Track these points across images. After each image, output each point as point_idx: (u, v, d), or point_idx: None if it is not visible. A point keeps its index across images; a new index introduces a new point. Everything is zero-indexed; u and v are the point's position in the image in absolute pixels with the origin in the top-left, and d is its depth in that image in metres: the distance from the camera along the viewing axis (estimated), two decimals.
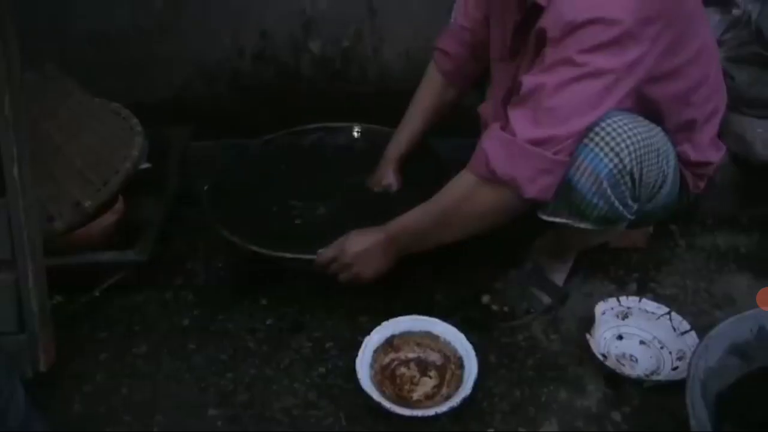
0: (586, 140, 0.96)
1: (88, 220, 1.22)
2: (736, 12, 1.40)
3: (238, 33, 1.72)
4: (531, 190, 0.96)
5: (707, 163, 1.16)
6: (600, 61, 0.90)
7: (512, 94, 1.02)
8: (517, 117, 0.95)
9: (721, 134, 1.34)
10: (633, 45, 0.91)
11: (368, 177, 1.34)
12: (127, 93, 1.75)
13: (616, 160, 0.96)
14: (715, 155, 1.16)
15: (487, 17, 1.18)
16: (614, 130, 0.95)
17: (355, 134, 1.47)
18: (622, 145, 0.95)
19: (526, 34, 1.03)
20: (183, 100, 1.81)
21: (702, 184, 1.18)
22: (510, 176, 0.95)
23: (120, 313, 1.23)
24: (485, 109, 1.24)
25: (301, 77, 1.79)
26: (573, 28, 0.90)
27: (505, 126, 0.97)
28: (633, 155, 0.97)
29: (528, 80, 0.95)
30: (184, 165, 1.51)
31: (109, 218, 1.25)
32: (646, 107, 1.03)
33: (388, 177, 1.32)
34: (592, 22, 0.88)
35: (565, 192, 1.00)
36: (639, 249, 1.34)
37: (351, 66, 1.77)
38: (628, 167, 0.97)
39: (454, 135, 1.44)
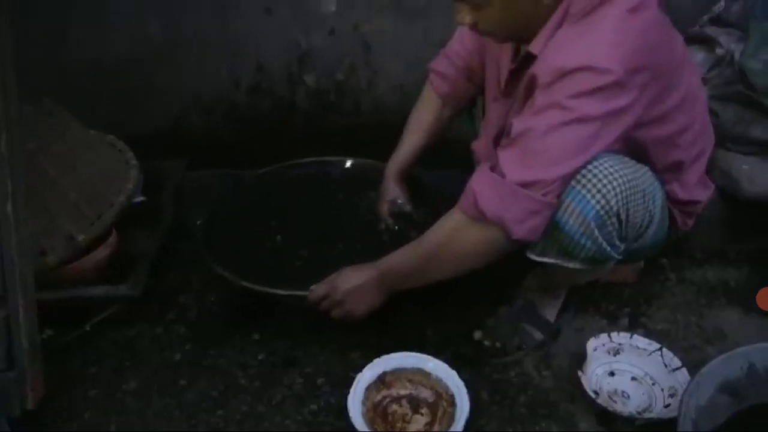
0: (573, 182, 0.98)
1: (81, 255, 1.22)
2: (719, 51, 1.44)
3: (235, 66, 1.75)
4: (519, 231, 0.97)
5: (695, 202, 1.18)
6: (588, 107, 0.92)
7: (503, 135, 1.04)
8: (507, 159, 0.97)
9: (708, 170, 1.36)
10: (622, 93, 0.93)
11: (374, 204, 1.35)
12: (124, 124, 1.76)
13: (603, 202, 0.98)
14: (703, 194, 1.18)
15: (482, 50, 1.22)
16: (600, 172, 0.97)
17: (349, 168, 1.48)
18: (609, 187, 0.97)
19: (518, 78, 1.05)
20: (179, 131, 1.83)
21: (690, 222, 1.20)
22: (499, 217, 0.97)
23: (111, 348, 1.22)
24: (479, 146, 1.26)
25: (296, 109, 1.81)
26: (563, 74, 0.92)
27: (495, 167, 0.98)
28: (619, 197, 0.98)
29: (518, 123, 0.97)
30: (179, 197, 1.51)
31: (102, 252, 1.25)
32: (633, 149, 1.05)
33: (392, 192, 1.33)
34: (582, 69, 0.91)
35: (553, 233, 1.01)
36: (630, 283, 1.35)
37: (345, 99, 1.79)
38: (615, 209, 0.99)
39: (444, 166, 1.48)
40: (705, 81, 1.46)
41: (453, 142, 1.39)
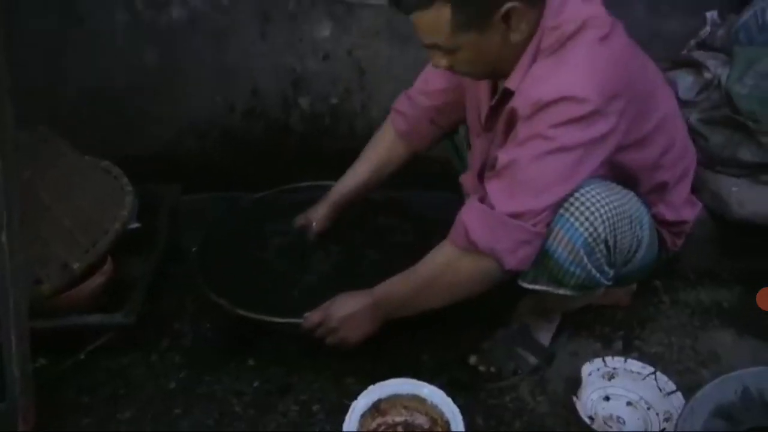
0: (561, 210, 0.99)
1: (76, 282, 1.22)
2: (707, 75, 1.46)
3: (230, 90, 1.76)
4: (512, 261, 0.99)
5: (683, 222, 1.19)
6: (570, 135, 0.94)
7: (486, 168, 1.06)
8: (494, 190, 0.98)
9: (698, 192, 1.38)
10: (600, 120, 0.94)
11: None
12: (119, 148, 1.77)
13: (591, 230, 0.99)
14: (690, 213, 1.20)
15: (449, 88, 1.23)
16: (588, 200, 0.99)
17: None
18: (596, 214, 0.98)
19: (498, 113, 1.07)
20: (174, 154, 1.84)
21: (679, 242, 1.21)
22: (491, 248, 0.98)
23: (105, 376, 1.21)
24: (466, 179, 1.28)
25: (291, 132, 1.82)
26: (542, 106, 0.93)
27: (484, 198, 1.00)
28: (606, 223, 0.99)
29: (502, 155, 0.99)
30: (175, 222, 1.52)
31: (97, 280, 1.25)
32: (619, 173, 1.06)
33: (315, 214, 1.34)
34: (560, 100, 0.92)
35: (543, 261, 1.02)
36: (623, 306, 1.36)
37: (340, 122, 1.81)
38: (603, 236, 1.00)
39: (432, 189, 1.49)
40: (694, 105, 1.49)
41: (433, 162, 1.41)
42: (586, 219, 0.98)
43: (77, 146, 1.44)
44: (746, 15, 1.45)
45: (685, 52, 1.63)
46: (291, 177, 1.60)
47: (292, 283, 1.26)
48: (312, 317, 1.10)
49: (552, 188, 0.97)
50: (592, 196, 0.99)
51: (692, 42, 1.63)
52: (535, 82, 0.96)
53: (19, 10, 1.58)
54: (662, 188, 1.13)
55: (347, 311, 1.08)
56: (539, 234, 0.98)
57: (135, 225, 1.39)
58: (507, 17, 0.94)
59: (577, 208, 0.98)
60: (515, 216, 0.96)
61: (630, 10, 1.63)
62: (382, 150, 1.34)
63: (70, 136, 1.48)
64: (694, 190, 1.32)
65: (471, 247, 0.99)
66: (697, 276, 1.45)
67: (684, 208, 1.18)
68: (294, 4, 1.63)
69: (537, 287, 1.06)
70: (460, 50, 0.98)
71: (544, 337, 1.23)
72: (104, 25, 1.64)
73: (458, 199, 1.30)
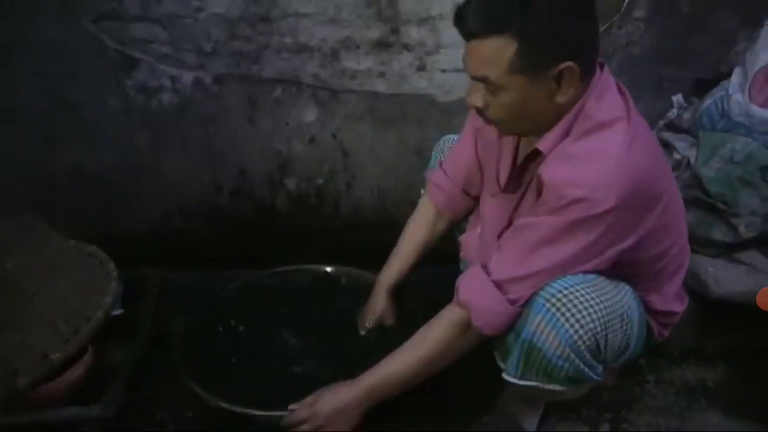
0: (551, 307, 0.98)
1: (55, 374, 1.20)
2: (677, 156, 1.52)
3: (218, 171, 1.80)
4: (478, 321, 1.02)
5: (672, 313, 1.18)
6: (580, 233, 0.95)
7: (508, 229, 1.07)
8: (495, 255, 1.03)
9: None
10: (614, 222, 0.95)
11: (360, 310, 1.35)
12: (106, 228, 1.79)
13: (581, 332, 0.98)
14: (679, 306, 1.19)
15: (477, 158, 1.24)
16: (578, 299, 0.97)
17: (329, 275, 1.50)
18: (588, 319, 0.97)
19: (522, 174, 1.08)
20: (161, 234, 1.86)
21: (666, 333, 1.20)
22: (467, 300, 1.03)
23: None
24: (466, 239, 1.29)
25: (277, 212, 1.85)
26: (565, 199, 0.94)
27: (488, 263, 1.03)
28: (598, 322, 0.98)
29: (520, 221, 1.02)
30: (160, 306, 1.51)
31: (76, 371, 1.23)
32: (619, 265, 1.04)
33: (379, 305, 1.33)
34: (581, 199, 0.93)
35: (532, 354, 1.01)
36: (608, 387, 1.35)
37: (325, 202, 1.84)
38: (593, 339, 0.99)
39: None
40: None
41: None
42: (577, 321, 0.97)
43: (65, 226, 1.45)
44: (707, 102, 1.53)
45: (655, 132, 1.70)
46: (278, 255, 1.62)
47: (278, 370, 1.25)
48: (297, 414, 1.08)
49: (542, 272, 0.99)
50: (582, 295, 0.97)
51: (661, 123, 1.71)
52: (567, 161, 0.96)
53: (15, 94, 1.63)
54: (659, 278, 1.12)
55: (334, 406, 1.06)
56: (513, 313, 1.00)
57: (119, 311, 1.39)
58: (560, 76, 0.94)
59: (568, 309, 0.97)
60: (499, 283, 1.00)
61: None
62: (423, 228, 1.34)
63: (59, 216, 1.49)
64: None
65: (457, 300, 1.03)
66: (681, 354, 1.46)
67: (674, 301, 1.18)
68: (280, 91, 1.69)
69: (527, 383, 1.04)
70: (505, 91, 0.96)
71: (530, 424, 1.21)
72: (96, 109, 1.69)
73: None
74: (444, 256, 1.41)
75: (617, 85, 1.03)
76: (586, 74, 0.97)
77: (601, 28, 1.64)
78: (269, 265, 1.54)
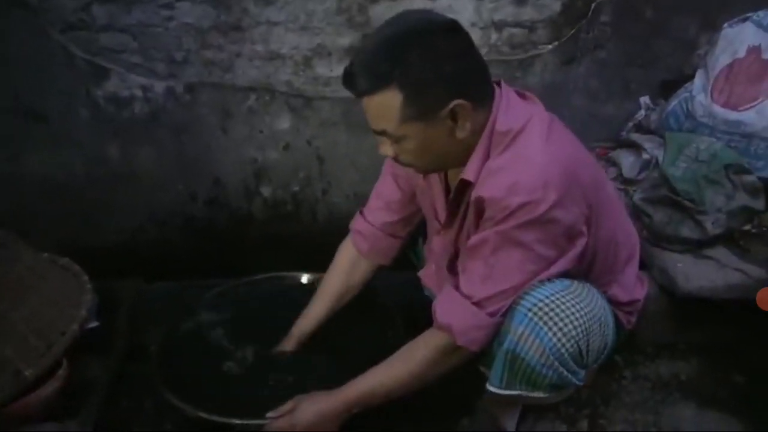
0: (533, 316, 0.99)
1: (29, 389, 1.17)
2: (645, 156, 1.56)
3: (191, 180, 1.79)
4: (462, 339, 1.01)
5: (635, 301, 1.22)
6: (533, 233, 0.97)
7: (456, 260, 1.10)
8: (462, 276, 1.04)
9: (648, 268, 1.44)
10: (561, 214, 0.97)
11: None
12: (79, 240, 1.77)
13: (564, 340, 0.99)
14: (641, 292, 1.23)
15: (405, 197, 1.26)
16: (558, 306, 0.99)
17: (306, 284, 1.49)
18: (570, 326, 0.99)
19: (457, 205, 1.11)
20: (135, 245, 1.84)
21: (633, 320, 1.24)
22: (447, 323, 1.02)
23: None
24: (425, 275, 1.31)
25: (253, 220, 1.85)
26: (507, 210, 0.96)
27: (456, 286, 1.04)
28: (580, 329, 1.00)
29: (473, 240, 1.02)
30: (135, 317, 1.49)
31: (51, 386, 1.20)
32: (578, 261, 1.07)
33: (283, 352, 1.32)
34: (524, 204, 0.95)
35: (515, 364, 1.02)
36: (586, 385, 1.37)
37: (301, 208, 1.84)
38: (576, 345, 1.01)
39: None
40: (637, 183, 1.58)
41: None
42: (560, 329, 0.99)
43: (38, 239, 1.43)
44: (672, 103, 1.58)
45: (624, 133, 1.74)
46: (254, 263, 1.61)
47: (255, 383, 1.24)
48: (275, 424, 1.07)
49: (513, 280, 1.00)
50: (563, 303, 0.99)
51: (630, 124, 1.75)
52: (497, 175, 0.99)
53: None
54: (615, 267, 1.16)
55: (313, 416, 1.06)
56: (494, 324, 1.01)
57: (93, 324, 1.37)
58: (453, 114, 0.97)
59: (546, 314, 0.98)
60: (475, 302, 1.00)
61: (570, 98, 1.76)
62: (337, 280, 1.34)
63: (31, 229, 1.47)
64: (643, 266, 1.38)
65: (436, 324, 1.03)
66: (655, 349, 1.49)
67: (635, 288, 1.22)
68: (254, 99, 1.69)
69: (511, 392, 1.05)
70: (406, 139, 1.00)
71: (509, 424, 1.22)
72: (66, 121, 1.67)
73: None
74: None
75: (517, 93, 1.07)
76: (480, 104, 1.00)
77: (569, 33, 1.68)
78: (246, 273, 1.53)
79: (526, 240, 0.98)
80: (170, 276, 1.73)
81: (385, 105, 0.96)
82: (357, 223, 1.34)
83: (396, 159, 1.06)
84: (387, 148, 1.04)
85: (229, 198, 1.82)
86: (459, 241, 1.13)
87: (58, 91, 1.63)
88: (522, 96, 1.07)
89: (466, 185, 1.06)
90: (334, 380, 1.11)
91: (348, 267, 1.35)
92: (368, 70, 0.96)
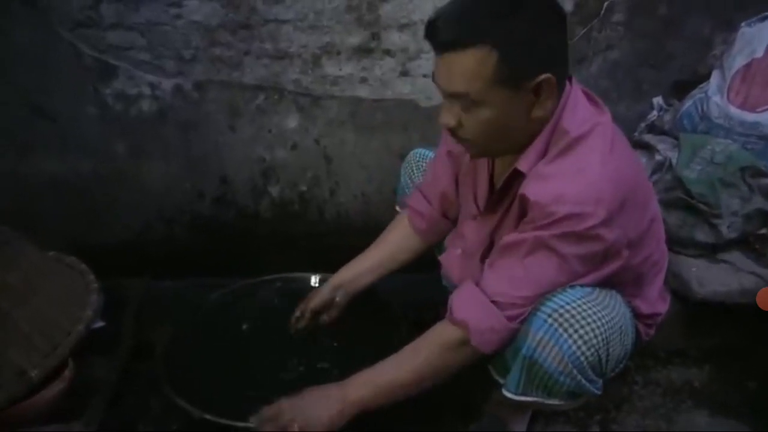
0: (553, 322, 0.96)
1: (34, 390, 1.17)
2: (659, 158, 1.54)
3: (199, 178, 1.78)
4: (476, 338, 0.98)
5: (657, 315, 1.18)
6: (573, 246, 0.94)
7: (490, 250, 1.06)
8: (488, 274, 1.00)
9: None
10: (605, 234, 0.93)
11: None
12: (85, 238, 1.76)
13: (584, 348, 0.96)
14: (663, 306, 1.19)
15: (455, 182, 1.21)
16: (579, 314, 0.96)
17: (314, 285, 1.48)
18: (591, 335, 0.96)
19: (502, 195, 1.06)
20: (142, 244, 1.83)
21: (651, 333, 1.20)
22: (462, 319, 0.99)
23: None
24: (446, 259, 1.26)
25: (260, 219, 1.83)
26: (552, 217, 0.92)
27: (479, 281, 1.01)
28: (600, 338, 0.97)
29: (507, 239, 0.98)
30: (141, 317, 1.48)
31: (56, 387, 1.19)
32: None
33: (319, 300, 1.28)
34: (571, 216, 0.92)
35: (533, 370, 1.00)
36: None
37: (309, 208, 1.83)
38: (596, 353, 0.98)
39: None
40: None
41: None
42: (580, 337, 0.95)
43: (44, 237, 1.42)
44: (687, 104, 1.55)
45: (636, 134, 1.72)
46: (261, 262, 1.60)
47: (262, 385, 1.22)
48: (277, 405, 1.04)
49: (540, 288, 0.97)
50: (584, 310, 0.96)
51: (642, 125, 1.72)
52: (548, 180, 0.95)
53: None
54: (641, 281, 1.12)
55: (317, 397, 1.03)
56: (510, 330, 0.98)
57: (99, 324, 1.36)
58: (539, 88, 0.91)
59: (571, 325, 0.95)
60: (496, 302, 0.97)
61: None
62: (397, 236, 1.30)
63: (37, 227, 1.46)
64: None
65: (452, 318, 0.99)
66: (667, 355, 1.46)
67: (658, 302, 1.18)
68: (262, 98, 1.68)
69: (526, 399, 1.02)
70: (483, 106, 0.92)
71: (519, 428, 1.20)
72: (74, 118, 1.66)
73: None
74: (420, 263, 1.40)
75: (586, 93, 1.02)
76: (560, 87, 0.96)
77: (581, 32, 1.65)
78: (253, 273, 1.52)
79: (564, 251, 0.94)
80: (177, 275, 1.72)
81: (476, 63, 0.88)
82: (415, 202, 1.29)
83: (454, 131, 0.97)
84: (450, 117, 0.95)
85: (236, 197, 1.81)
86: (496, 233, 1.09)
87: (66, 88, 1.63)
88: (590, 98, 1.01)
89: (516, 176, 1.01)
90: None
91: (404, 233, 1.30)
92: (465, 22, 0.88)
